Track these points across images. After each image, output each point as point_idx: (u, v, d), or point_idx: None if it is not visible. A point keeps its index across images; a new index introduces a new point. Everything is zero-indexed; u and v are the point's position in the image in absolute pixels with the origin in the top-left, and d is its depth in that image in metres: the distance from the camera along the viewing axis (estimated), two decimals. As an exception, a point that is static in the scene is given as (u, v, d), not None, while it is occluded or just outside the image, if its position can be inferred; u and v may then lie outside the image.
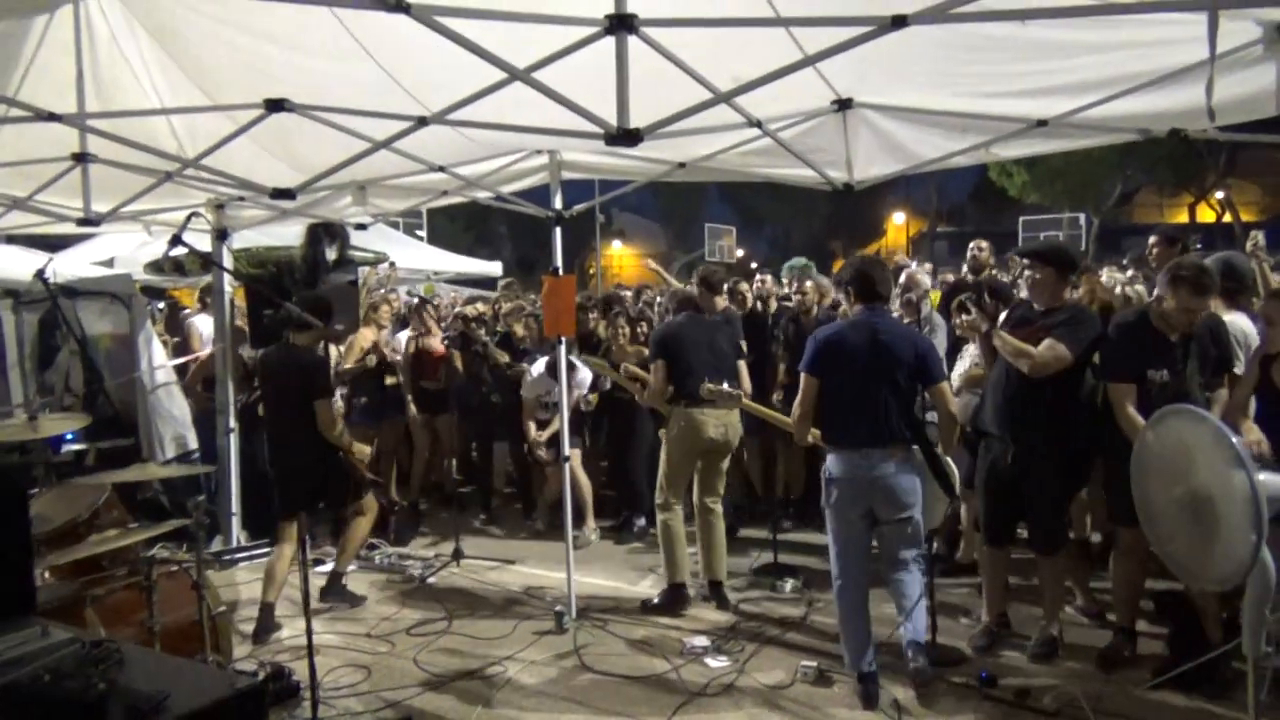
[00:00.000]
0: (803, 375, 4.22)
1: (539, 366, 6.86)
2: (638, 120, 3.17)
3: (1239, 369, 4.22)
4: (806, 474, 6.80)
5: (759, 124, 4.47)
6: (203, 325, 7.40)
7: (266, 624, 5.00)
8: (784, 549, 5.93)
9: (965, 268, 7.57)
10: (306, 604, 3.81)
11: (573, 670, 4.52)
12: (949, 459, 4.22)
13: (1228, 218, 30.00)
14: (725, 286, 6.20)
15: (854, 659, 4.12)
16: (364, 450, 5.52)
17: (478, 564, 6.29)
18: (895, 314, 5.82)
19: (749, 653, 4.63)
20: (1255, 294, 4.87)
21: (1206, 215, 32.76)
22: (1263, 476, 2.52)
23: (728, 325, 5.91)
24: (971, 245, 7.36)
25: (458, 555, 6.32)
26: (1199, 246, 8.04)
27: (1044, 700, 3.95)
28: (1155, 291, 4.17)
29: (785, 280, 8.53)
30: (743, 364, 5.63)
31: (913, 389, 4.14)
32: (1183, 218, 32.94)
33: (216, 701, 1.81)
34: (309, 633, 3.81)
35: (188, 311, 8.42)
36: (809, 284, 6.85)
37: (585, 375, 6.84)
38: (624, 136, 3.14)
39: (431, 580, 6.01)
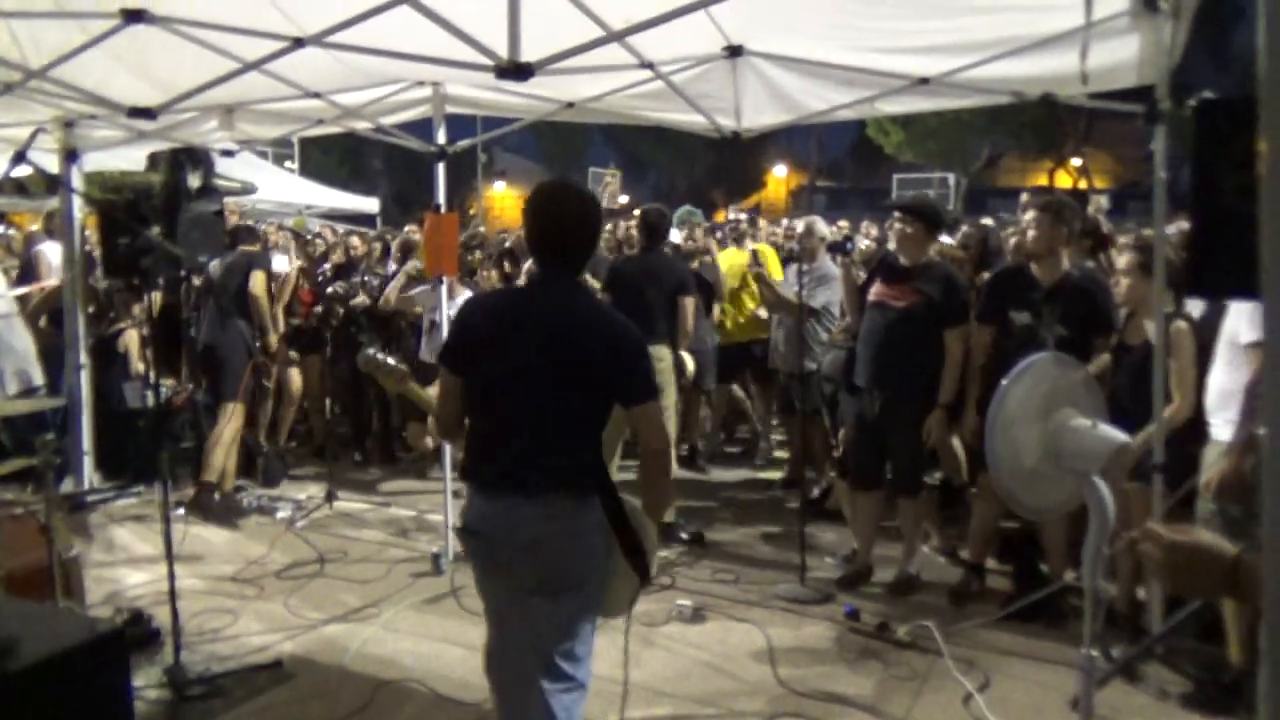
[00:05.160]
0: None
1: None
2: (529, 55, 3.09)
3: None
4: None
5: (651, 65, 4.42)
6: (52, 254, 6.87)
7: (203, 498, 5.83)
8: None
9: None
10: (169, 545, 3.65)
11: (449, 612, 4.50)
12: (649, 524, 2.66)
13: (1083, 184, 31.83)
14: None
15: None
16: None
17: (352, 506, 6.16)
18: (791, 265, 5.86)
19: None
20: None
21: (1064, 180, 34.69)
22: (1078, 422, 2.64)
23: (667, 268, 5.63)
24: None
25: (331, 497, 6.16)
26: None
27: (901, 632, 4.18)
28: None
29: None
30: (688, 302, 5.49)
31: (599, 404, 2.56)
32: (1043, 181, 34.75)
33: (73, 646, 1.71)
34: (170, 576, 3.66)
35: (38, 239, 7.76)
36: (698, 231, 6.97)
37: None
38: (514, 70, 3.06)
39: (303, 523, 5.84)
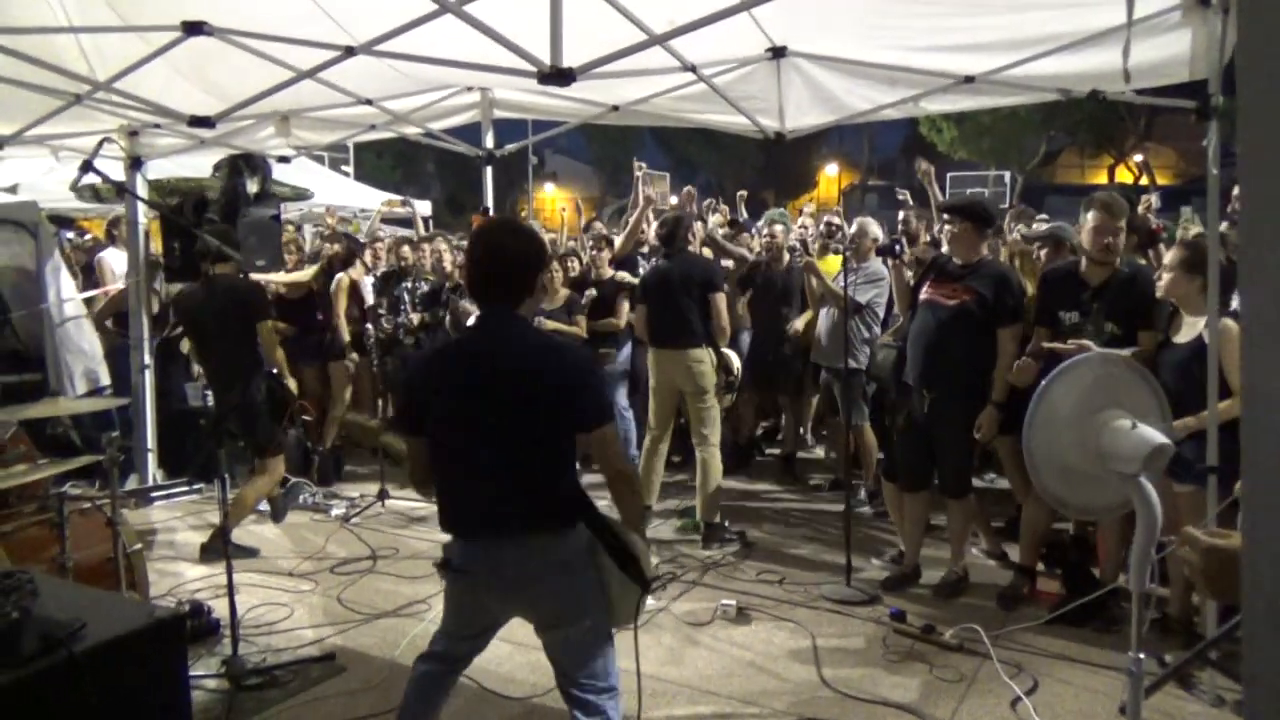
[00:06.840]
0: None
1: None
2: (571, 60, 3.14)
3: None
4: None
5: (693, 68, 4.45)
6: (113, 260, 7.12)
7: (218, 544, 4.61)
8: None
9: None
10: (226, 540, 3.77)
11: (497, 608, 4.57)
12: (635, 535, 2.65)
13: (1145, 180, 31.02)
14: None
15: None
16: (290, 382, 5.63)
17: (404, 504, 6.28)
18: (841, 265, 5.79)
19: (675, 593, 4.74)
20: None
21: (1124, 177, 33.82)
22: (1119, 423, 2.57)
23: (694, 269, 5.56)
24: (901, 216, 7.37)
25: (383, 496, 6.30)
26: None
27: (948, 635, 4.14)
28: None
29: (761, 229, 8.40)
30: (719, 298, 5.47)
31: (561, 433, 2.57)
32: (1102, 179, 33.92)
33: (134, 631, 1.80)
34: (229, 570, 3.78)
35: (100, 245, 8.04)
36: (778, 229, 6.86)
37: None
38: (556, 76, 3.12)
39: (356, 520, 5.98)
